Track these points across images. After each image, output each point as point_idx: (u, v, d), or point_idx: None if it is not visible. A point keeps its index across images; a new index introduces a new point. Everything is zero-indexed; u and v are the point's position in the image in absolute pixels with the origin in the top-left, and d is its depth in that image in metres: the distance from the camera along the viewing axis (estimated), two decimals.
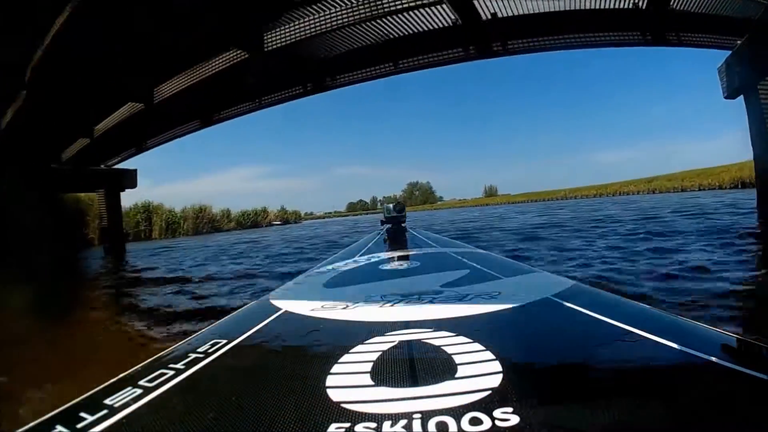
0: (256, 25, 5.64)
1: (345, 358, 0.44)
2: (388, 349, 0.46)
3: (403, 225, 2.05)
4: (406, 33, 6.22)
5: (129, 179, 11.41)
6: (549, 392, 0.36)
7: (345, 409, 0.35)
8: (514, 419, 0.31)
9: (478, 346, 0.44)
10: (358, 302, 0.68)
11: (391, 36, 6.27)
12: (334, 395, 0.37)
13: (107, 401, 0.38)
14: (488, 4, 5.63)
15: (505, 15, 5.83)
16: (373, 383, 0.39)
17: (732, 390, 0.35)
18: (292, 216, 37.85)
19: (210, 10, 4.77)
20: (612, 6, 5.63)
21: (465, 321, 0.54)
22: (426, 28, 6.13)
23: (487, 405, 0.33)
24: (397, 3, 5.26)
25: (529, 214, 12.79)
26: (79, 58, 5.02)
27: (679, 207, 9.92)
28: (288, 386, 0.41)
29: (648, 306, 0.62)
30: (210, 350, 0.50)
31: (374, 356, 0.44)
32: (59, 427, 0.35)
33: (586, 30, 6.00)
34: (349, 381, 0.39)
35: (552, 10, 5.69)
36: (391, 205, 2.07)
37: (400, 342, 0.48)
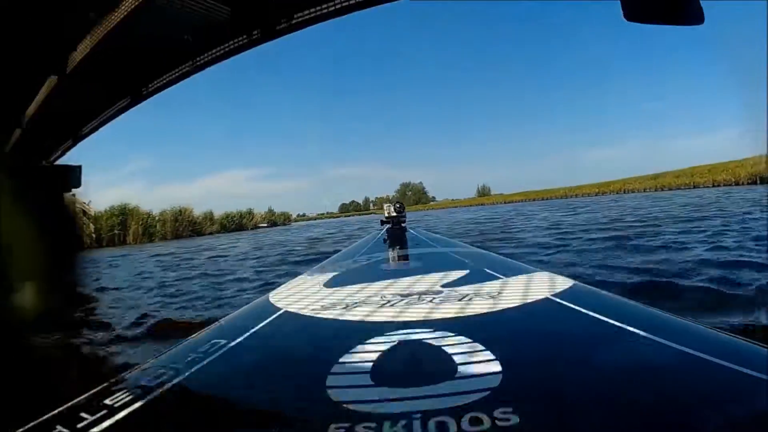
0: None
1: (345, 358, 0.44)
2: (388, 349, 0.46)
3: (403, 225, 2.05)
4: None
5: (73, 177, 9.44)
6: (549, 392, 0.35)
7: (345, 409, 0.34)
8: (514, 419, 0.31)
9: (478, 346, 0.44)
10: (358, 302, 0.68)
11: None
12: (334, 395, 0.36)
13: (107, 401, 0.38)
14: None
15: None
16: (373, 383, 0.38)
17: (732, 390, 0.35)
18: (280, 218, 35.93)
19: None
20: None
21: (465, 321, 0.54)
22: None
23: (487, 405, 0.33)
24: None
25: (554, 212, 11.03)
26: None
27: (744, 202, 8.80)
28: (288, 386, 0.41)
29: (648, 306, 0.60)
30: (210, 350, 0.49)
31: (374, 356, 0.44)
32: (59, 427, 0.35)
33: None
34: (349, 381, 0.39)
35: None
36: (391, 205, 2.10)
37: (400, 342, 0.47)
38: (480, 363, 0.41)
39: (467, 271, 0.92)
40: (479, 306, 0.61)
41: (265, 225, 32.67)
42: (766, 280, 2.35)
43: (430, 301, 0.65)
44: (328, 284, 0.93)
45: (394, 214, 2.08)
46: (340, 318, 0.61)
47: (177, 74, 7.30)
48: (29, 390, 1.35)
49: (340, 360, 0.44)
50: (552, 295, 0.64)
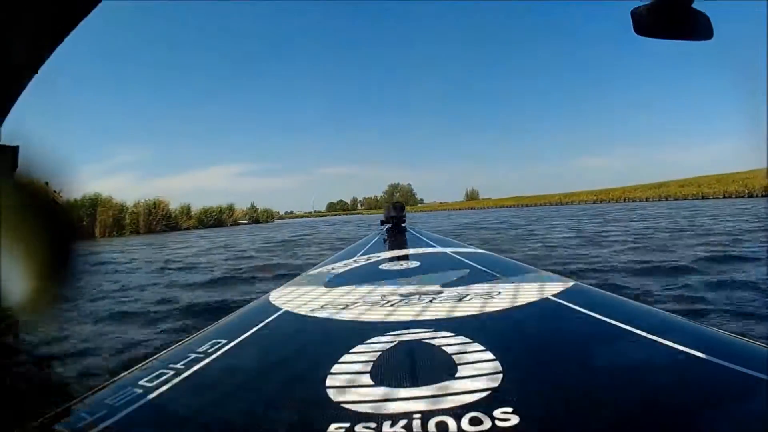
0: None
1: (345, 358, 0.44)
2: (388, 349, 0.45)
3: (403, 225, 2.07)
4: None
5: (3, 162, 7.07)
6: (549, 392, 0.36)
7: (345, 409, 0.34)
8: (514, 419, 0.31)
9: (478, 346, 0.44)
10: (358, 302, 0.68)
11: None
12: (334, 395, 0.37)
13: (107, 401, 0.38)
14: None
15: None
16: (373, 383, 0.38)
17: (732, 390, 0.35)
18: (263, 215, 33.80)
19: None
20: None
21: (465, 321, 0.54)
22: None
23: (487, 405, 0.33)
24: None
25: (580, 220, 9.15)
26: None
27: None
28: (288, 386, 0.41)
29: (648, 306, 0.60)
30: (210, 350, 0.49)
31: (374, 356, 0.44)
32: (59, 427, 0.35)
33: None
34: (349, 381, 0.39)
35: None
36: (391, 206, 2.11)
37: (400, 342, 0.47)
38: (480, 363, 0.40)
39: (467, 271, 0.91)
40: (479, 306, 0.60)
41: (246, 222, 30.64)
42: None
43: (430, 301, 0.65)
44: (328, 284, 0.92)
45: (394, 214, 2.06)
46: (340, 318, 0.60)
47: None
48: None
49: (340, 360, 0.43)
50: (552, 295, 0.64)
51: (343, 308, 0.65)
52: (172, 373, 0.44)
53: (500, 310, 0.58)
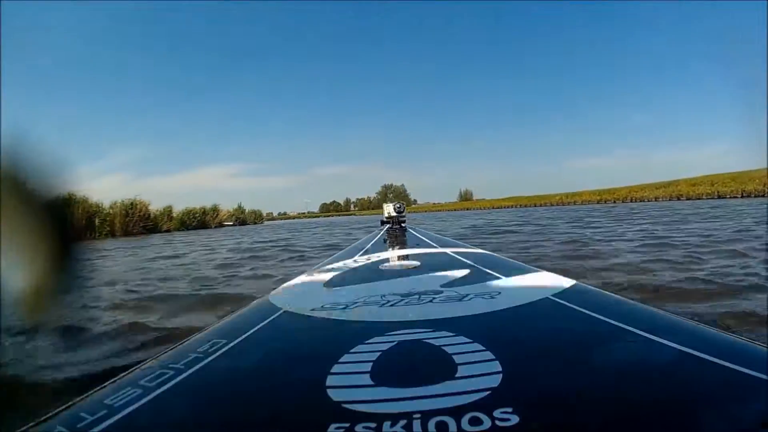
0: None
1: (345, 358, 0.44)
2: (388, 349, 0.46)
3: (403, 225, 2.13)
4: None
5: None
6: (549, 392, 0.36)
7: (345, 409, 0.34)
8: (514, 419, 0.31)
9: (478, 346, 0.44)
10: (358, 302, 0.68)
11: None
12: (334, 395, 0.37)
13: (107, 401, 0.38)
14: None
15: None
16: (373, 383, 0.38)
17: (732, 390, 0.35)
18: (251, 216, 31.90)
19: None
20: None
21: (465, 321, 0.54)
22: None
23: (487, 405, 0.33)
24: None
25: (635, 222, 7.13)
26: None
27: None
28: (288, 386, 0.41)
29: (648, 306, 0.60)
30: (210, 350, 0.49)
31: (374, 356, 0.44)
32: (59, 427, 0.35)
33: None
34: (349, 381, 0.39)
35: None
36: (391, 205, 2.18)
37: (400, 342, 0.48)
38: (480, 363, 0.40)
39: (467, 271, 0.91)
40: (479, 306, 0.60)
41: (231, 223, 28.77)
42: None
43: (430, 300, 0.65)
44: (328, 284, 0.92)
45: (394, 214, 2.15)
46: (340, 318, 0.60)
47: None
48: None
49: (340, 360, 0.43)
50: (552, 295, 0.64)
51: (343, 308, 0.65)
52: (172, 373, 0.43)
53: (500, 310, 0.58)
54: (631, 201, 34.14)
